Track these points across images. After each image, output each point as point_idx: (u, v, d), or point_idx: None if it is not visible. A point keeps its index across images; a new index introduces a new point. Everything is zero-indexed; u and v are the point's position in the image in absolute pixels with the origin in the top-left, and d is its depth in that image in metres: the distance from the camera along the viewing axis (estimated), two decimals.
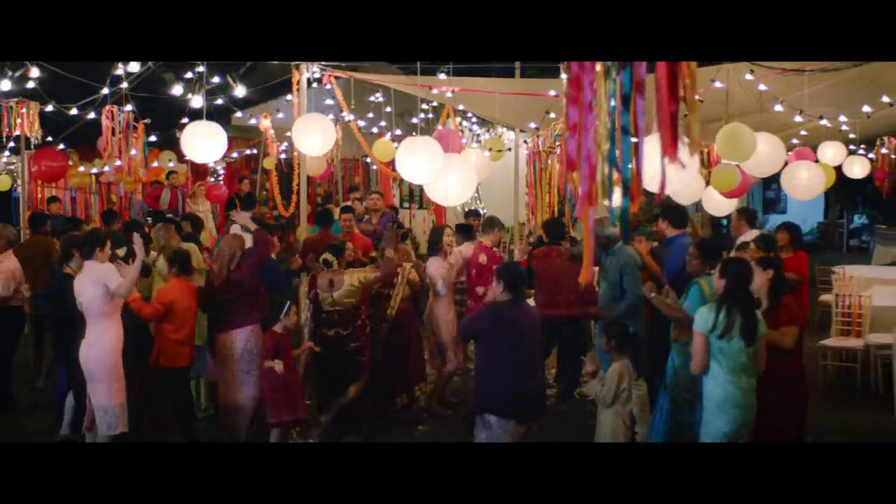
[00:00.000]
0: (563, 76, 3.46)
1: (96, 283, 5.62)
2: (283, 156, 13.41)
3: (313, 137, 8.10)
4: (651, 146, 3.30)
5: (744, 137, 7.01)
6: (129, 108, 9.56)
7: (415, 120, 9.97)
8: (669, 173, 4.15)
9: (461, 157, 7.50)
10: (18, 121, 9.82)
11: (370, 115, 12.81)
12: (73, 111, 9.92)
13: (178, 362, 6.14)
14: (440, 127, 10.68)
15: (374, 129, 12.92)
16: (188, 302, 6.16)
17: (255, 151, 15.04)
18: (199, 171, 14.33)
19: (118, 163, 10.96)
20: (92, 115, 9.80)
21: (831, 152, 10.05)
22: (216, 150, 7.65)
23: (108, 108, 9.45)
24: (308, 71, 9.49)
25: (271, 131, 12.44)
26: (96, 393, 5.70)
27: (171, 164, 13.12)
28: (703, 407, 4.61)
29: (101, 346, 5.67)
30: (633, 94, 2.96)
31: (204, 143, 7.57)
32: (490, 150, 8.97)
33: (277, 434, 6.09)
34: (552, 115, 8.99)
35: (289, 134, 9.87)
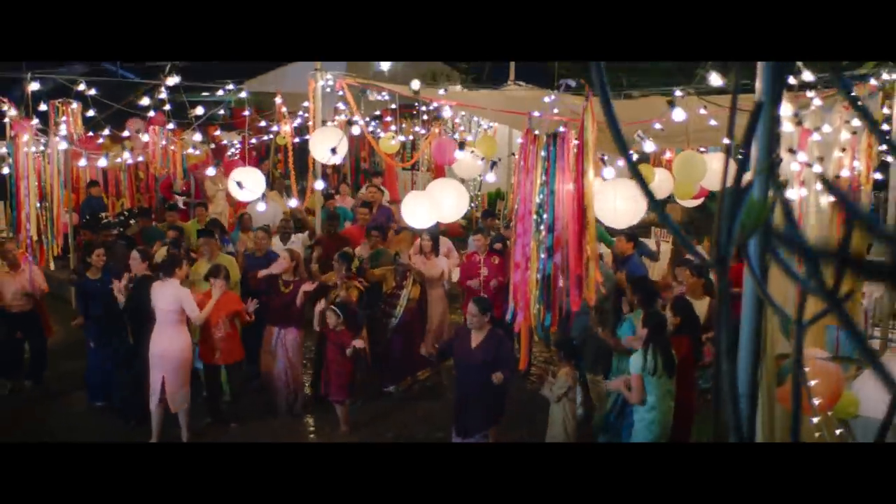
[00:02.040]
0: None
1: (175, 300, 6.96)
2: (296, 139, 14.45)
3: (325, 147, 9.25)
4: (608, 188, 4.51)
5: (696, 164, 8.20)
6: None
7: (417, 127, 11.10)
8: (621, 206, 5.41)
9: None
10: (64, 118, 10.98)
11: (377, 112, 13.89)
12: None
13: (212, 359, 7.55)
14: (436, 131, 11.75)
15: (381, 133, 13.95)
16: (227, 308, 7.51)
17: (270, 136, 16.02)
18: (219, 150, 15.41)
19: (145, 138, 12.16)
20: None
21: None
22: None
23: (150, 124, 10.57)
24: (322, 79, 10.59)
25: (284, 108, 13.62)
26: (172, 381, 7.08)
27: (193, 151, 14.21)
28: (635, 421, 5.95)
29: (178, 345, 7.05)
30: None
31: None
32: (473, 151, 10.04)
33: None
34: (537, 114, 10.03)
35: (306, 104, 11.03)
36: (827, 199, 5.62)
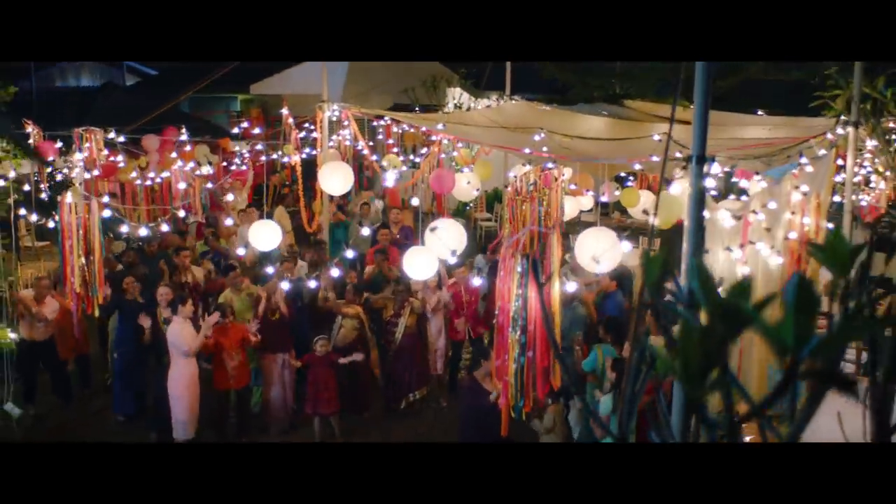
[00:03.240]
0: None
1: (178, 337, 7.81)
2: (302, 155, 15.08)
3: (335, 181, 10.04)
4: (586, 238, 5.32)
5: (673, 204, 9.00)
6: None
7: (417, 159, 11.89)
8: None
9: None
10: (87, 144, 11.77)
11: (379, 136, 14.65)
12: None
13: (225, 385, 8.41)
14: (434, 150, 12.48)
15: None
16: (236, 341, 8.36)
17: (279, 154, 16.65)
18: (228, 161, 16.19)
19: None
20: None
21: None
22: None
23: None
24: (329, 109, 11.36)
25: (290, 119, 14.37)
26: (177, 410, 7.95)
27: (207, 169, 14.96)
28: None
29: (184, 377, 7.91)
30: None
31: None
32: (469, 182, 10.83)
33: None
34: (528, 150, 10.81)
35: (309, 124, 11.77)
36: (775, 262, 6.39)
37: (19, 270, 10.41)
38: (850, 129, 7.92)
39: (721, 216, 5.11)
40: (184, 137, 14.60)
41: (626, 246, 8.11)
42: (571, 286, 7.83)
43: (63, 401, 9.35)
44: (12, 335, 8.40)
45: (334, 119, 11.73)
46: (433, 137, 11.58)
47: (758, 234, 6.01)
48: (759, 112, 17.34)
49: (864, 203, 9.54)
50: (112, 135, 11.78)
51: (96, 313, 7.93)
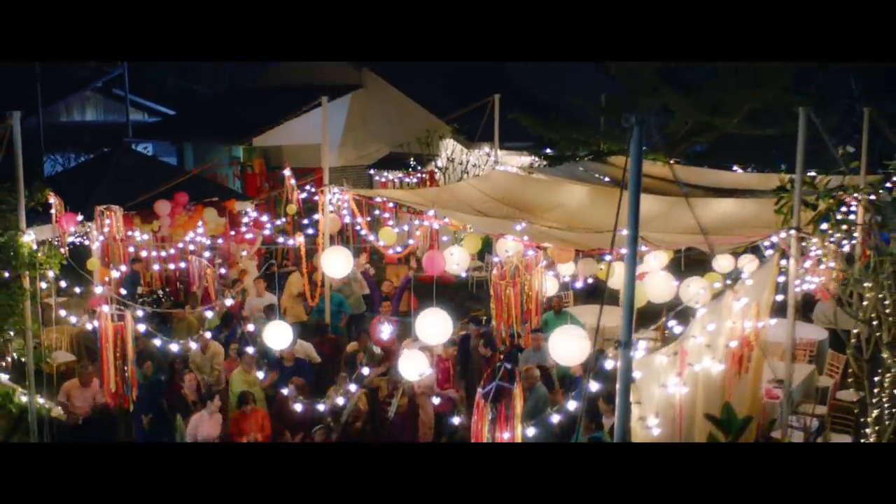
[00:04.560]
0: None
1: (198, 429, 8.91)
2: (303, 195, 16.21)
3: (337, 265, 11.08)
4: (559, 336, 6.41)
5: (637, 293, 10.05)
6: None
7: (410, 241, 12.99)
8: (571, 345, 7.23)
9: None
10: (108, 220, 12.84)
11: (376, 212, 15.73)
12: None
13: None
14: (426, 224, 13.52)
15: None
16: (257, 426, 9.40)
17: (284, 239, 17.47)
18: (235, 221, 17.18)
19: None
20: None
21: None
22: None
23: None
24: (330, 192, 12.44)
25: (292, 181, 15.44)
26: None
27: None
28: None
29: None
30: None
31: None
32: (452, 254, 11.94)
33: None
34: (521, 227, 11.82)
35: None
36: (717, 369, 7.39)
37: (43, 334, 11.36)
38: (792, 234, 8.99)
39: (658, 360, 6.02)
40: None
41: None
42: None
43: None
44: (24, 398, 9.01)
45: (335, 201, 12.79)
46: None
47: (696, 355, 6.89)
48: (736, 168, 18.56)
49: (813, 287, 10.56)
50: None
51: (131, 408, 8.91)
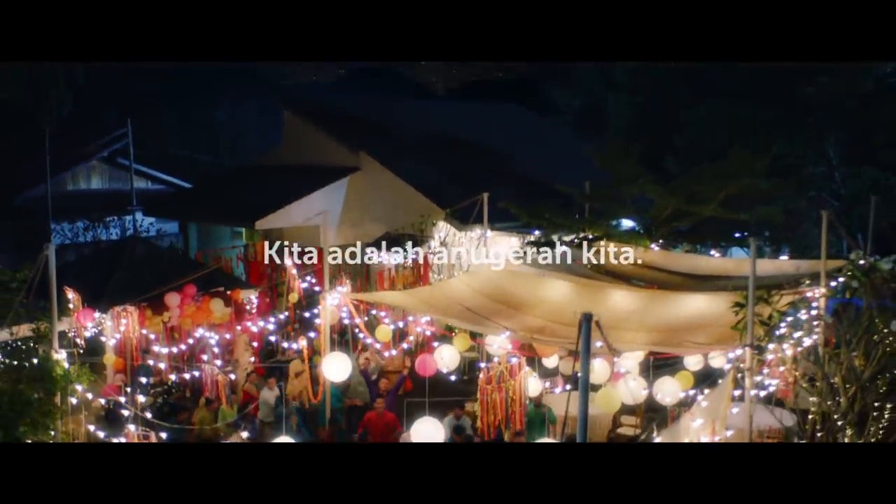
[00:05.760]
0: None
1: None
2: (304, 284, 17.19)
3: (336, 370, 12.09)
4: None
5: (611, 398, 11.05)
6: None
7: (405, 345, 14.08)
8: None
9: None
10: (124, 320, 13.85)
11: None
12: None
13: None
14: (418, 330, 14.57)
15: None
16: None
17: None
18: (241, 310, 18.15)
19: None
20: None
21: None
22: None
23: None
24: (331, 296, 13.47)
25: (294, 270, 16.47)
26: None
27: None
28: None
29: None
30: None
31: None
32: (441, 358, 12.99)
33: None
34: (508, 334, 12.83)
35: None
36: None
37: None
38: (746, 350, 10.05)
39: None
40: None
41: None
42: None
43: None
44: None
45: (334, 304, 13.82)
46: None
47: None
48: (713, 252, 19.73)
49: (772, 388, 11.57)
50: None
51: None
